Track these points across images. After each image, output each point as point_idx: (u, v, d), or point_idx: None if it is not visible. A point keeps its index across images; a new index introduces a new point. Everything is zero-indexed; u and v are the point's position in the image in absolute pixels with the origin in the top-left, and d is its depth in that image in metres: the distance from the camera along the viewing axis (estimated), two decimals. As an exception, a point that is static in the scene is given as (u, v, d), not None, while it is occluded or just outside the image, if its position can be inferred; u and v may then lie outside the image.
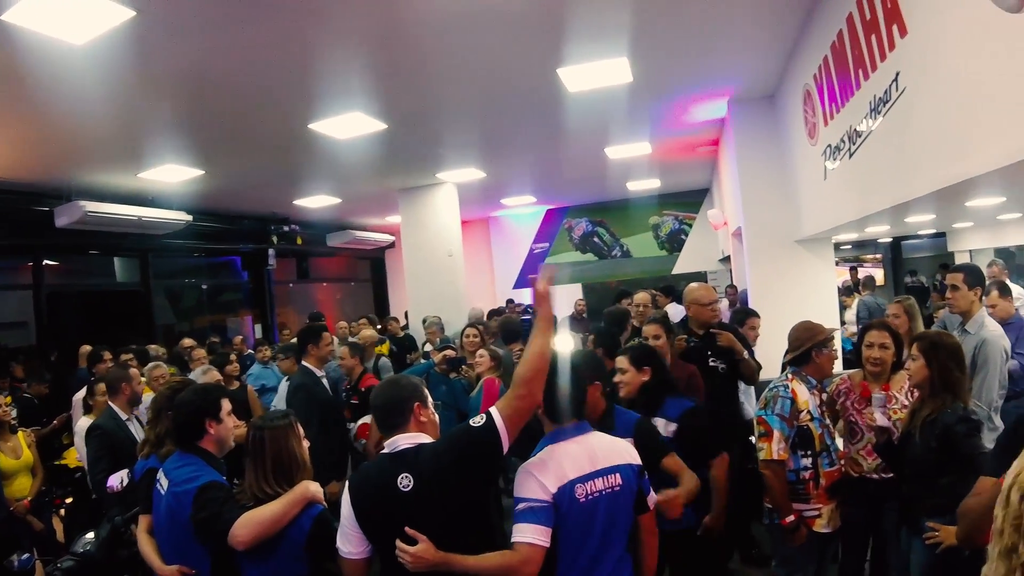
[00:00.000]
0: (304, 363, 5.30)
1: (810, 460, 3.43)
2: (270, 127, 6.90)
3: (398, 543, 2.31)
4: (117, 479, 5.05)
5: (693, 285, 5.17)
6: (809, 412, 3.44)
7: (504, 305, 13.52)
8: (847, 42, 4.29)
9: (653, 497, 2.69)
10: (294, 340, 9.32)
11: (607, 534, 2.50)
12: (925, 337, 3.28)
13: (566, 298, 13.62)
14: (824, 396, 3.68)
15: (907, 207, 4.48)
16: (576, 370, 2.66)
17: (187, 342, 8.61)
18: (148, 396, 6.24)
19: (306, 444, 2.87)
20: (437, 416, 2.66)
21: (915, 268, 14.96)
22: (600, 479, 2.49)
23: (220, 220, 11.37)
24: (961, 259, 9.76)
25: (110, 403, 4.92)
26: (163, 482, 2.91)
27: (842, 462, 3.56)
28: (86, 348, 7.66)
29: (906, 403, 3.51)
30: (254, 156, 8.06)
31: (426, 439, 2.49)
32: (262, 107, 6.26)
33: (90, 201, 8.19)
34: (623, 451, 2.63)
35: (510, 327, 6.54)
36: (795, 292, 7.05)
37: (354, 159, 8.43)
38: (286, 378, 6.60)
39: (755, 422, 3.54)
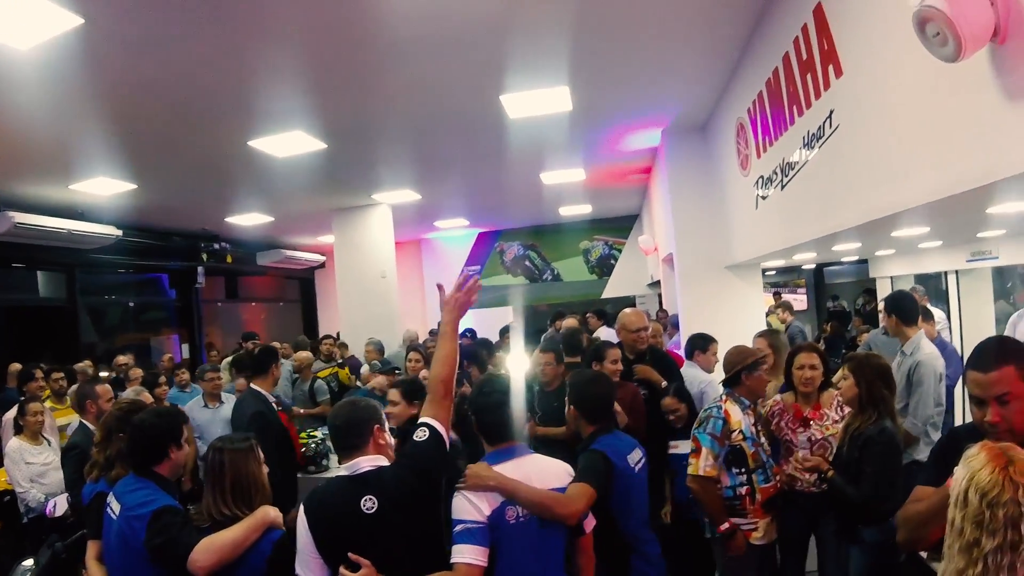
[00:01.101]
0: (257, 386, 5.05)
1: (745, 476, 3.63)
2: (209, 143, 6.79)
3: (341, 569, 2.33)
4: (53, 504, 4.90)
5: (626, 311, 5.29)
6: (741, 432, 3.63)
7: (436, 327, 13.49)
8: (783, 79, 4.52)
9: (590, 521, 2.77)
10: (226, 359, 9.19)
11: (541, 557, 2.58)
12: (854, 358, 3.54)
13: (497, 321, 13.69)
14: (759, 415, 3.88)
15: (836, 236, 4.73)
16: (511, 393, 2.77)
17: (121, 360, 8.34)
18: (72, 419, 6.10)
19: (265, 470, 2.86)
20: (393, 440, 2.72)
21: (837, 293, 15.65)
22: None
23: (150, 236, 11.06)
24: (882, 285, 10.23)
25: (83, 421, 4.78)
26: (114, 506, 2.81)
27: (778, 478, 3.74)
28: (16, 366, 7.31)
29: (837, 418, 3.76)
30: (190, 172, 7.91)
31: (384, 462, 2.54)
32: (203, 122, 6.16)
33: (20, 212, 7.94)
34: (559, 474, 2.73)
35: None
36: (725, 316, 7.29)
37: (291, 178, 8.36)
38: (200, 398, 6.48)
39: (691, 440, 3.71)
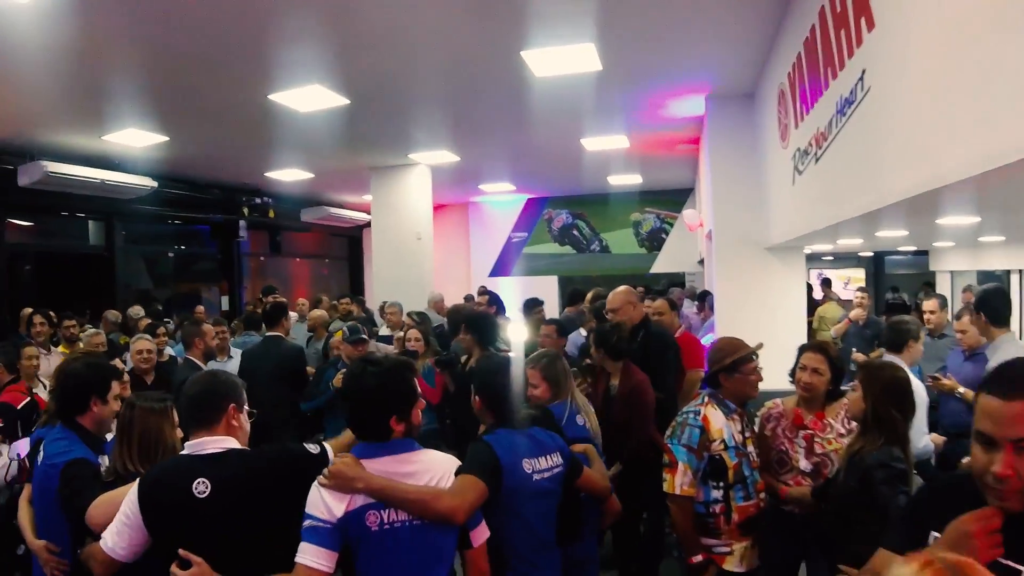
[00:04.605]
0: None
1: (721, 492, 3.12)
2: (229, 95, 6.71)
3: (173, 568, 2.12)
4: (24, 446, 4.87)
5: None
6: (723, 441, 3.11)
7: (475, 293, 13.20)
8: (818, 38, 3.98)
9: (481, 531, 2.35)
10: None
11: (417, 572, 2.20)
12: (866, 367, 3.01)
13: (542, 290, 13.29)
14: (746, 420, 3.36)
15: (873, 220, 4.18)
16: (380, 390, 2.28)
17: (135, 310, 8.45)
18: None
19: (179, 434, 2.72)
20: (248, 424, 2.47)
21: (897, 285, 14.72)
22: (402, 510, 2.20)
23: (189, 188, 11.09)
24: (942, 279, 9.52)
25: (188, 357, 5.36)
26: (41, 454, 2.89)
27: (761, 495, 3.23)
28: (27, 311, 7.41)
29: (842, 431, 3.24)
30: (216, 124, 7.88)
31: (234, 444, 2.31)
32: (222, 75, 6.10)
33: (52, 161, 8.13)
34: (449, 476, 2.30)
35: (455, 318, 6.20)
36: (762, 301, 6.80)
37: (319, 133, 8.23)
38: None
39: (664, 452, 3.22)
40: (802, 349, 3.47)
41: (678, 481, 3.07)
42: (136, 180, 9.16)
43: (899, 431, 2.78)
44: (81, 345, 6.61)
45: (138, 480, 2.29)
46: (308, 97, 6.64)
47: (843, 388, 3.38)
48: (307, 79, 6.21)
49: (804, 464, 3.25)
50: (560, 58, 5.69)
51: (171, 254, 12.88)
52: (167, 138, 8.03)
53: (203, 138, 8.48)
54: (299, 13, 4.85)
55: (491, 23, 5.10)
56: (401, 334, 6.39)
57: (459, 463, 2.38)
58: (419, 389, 2.36)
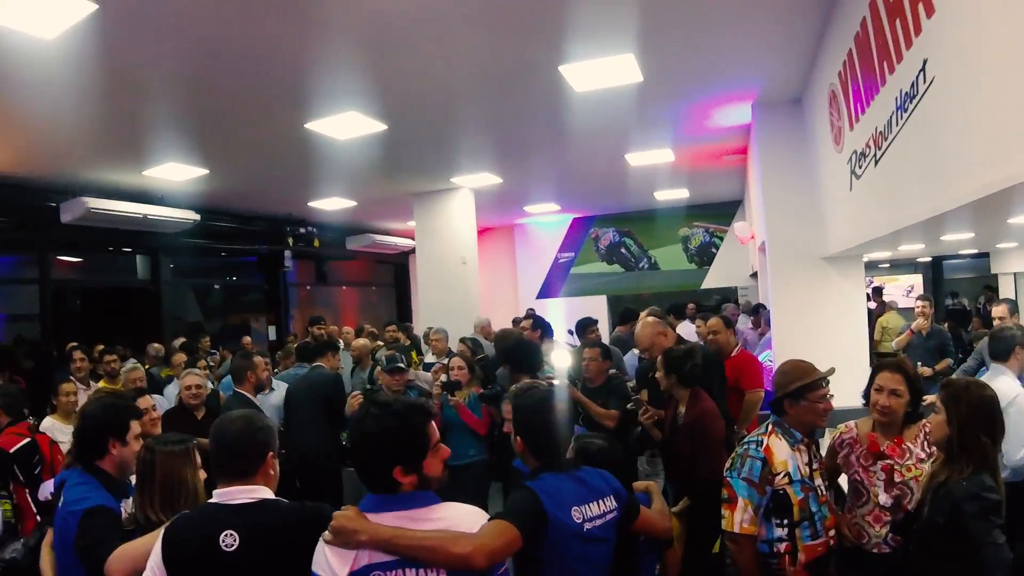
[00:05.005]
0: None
1: (786, 530, 2.82)
2: (266, 126, 6.66)
3: None
4: (51, 487, 4.83)
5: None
6: (788, 474, 2.82)
7: (523, 316, 13.03)
8: (871, 30, 3.72)
9: None
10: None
11: None
12: (949, 386, 2.65)
13: (591, 310, 13.06)
14: (814, 451, 3.05)
15: (940, 223, 3.90)
16: (381, 436, 2.04)
17: (178, 342, 8.53)
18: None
19: (203, 475, 2.67)
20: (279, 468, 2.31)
21: (956, 290, 14.09)
22: (412, 569, 1.95)
23: (233, 220, 11.14)
24: (1005, 281, 9.04)
25: (238, 390, 5.27)
26: (61, 499, 2.78)
27: (831, 533, 2.91)
28: (71, 346, 7.45)
29: (922, 455, 2.93)
30: (256, 155, 7.85)
31: (267, 493, 2.14)
32: (253, 105, 6.05)
33: (94, 198, 8.18)
34: (471, 527, 2.04)
35: (501, 345, 5.96)
36: (820, 314, 6.47)
37: (359, 160, 8.17)
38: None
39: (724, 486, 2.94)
40: (877, 368, 3.14)
41: (737, 518, 2.79)
42: (179, 214, 9.18)
43: (988, 457, 2.48)
44: (121, 381, 6.62)
45: (162, 532, 2.17)
46: (345, 124, 6.56)
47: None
48: (343, 106, 6.13)
49: (883, 498, 2.95)
50: (599, 71, 5.51)
51: (217, 286, 13.02)
52: (207, 171, 8.01)
53: (243, 170, 8.47)
54: (331, 40, 4.78)
55: (526, 39, 4.96)
56: (445, 361, 6.27)
57: (487, 516, 2.12)
58: (435, 436, 2.10)
